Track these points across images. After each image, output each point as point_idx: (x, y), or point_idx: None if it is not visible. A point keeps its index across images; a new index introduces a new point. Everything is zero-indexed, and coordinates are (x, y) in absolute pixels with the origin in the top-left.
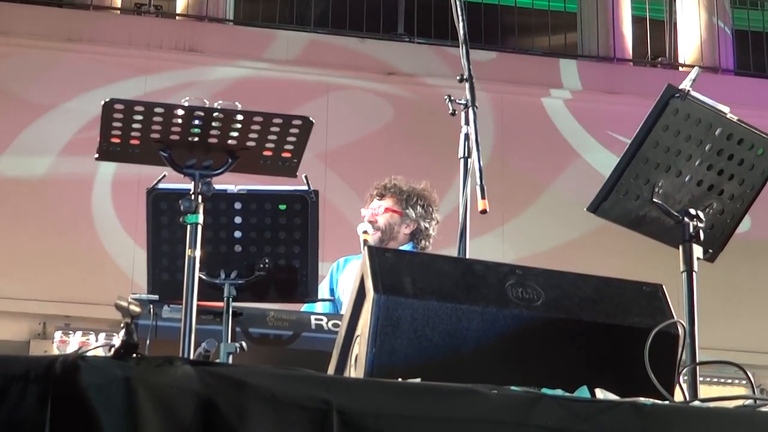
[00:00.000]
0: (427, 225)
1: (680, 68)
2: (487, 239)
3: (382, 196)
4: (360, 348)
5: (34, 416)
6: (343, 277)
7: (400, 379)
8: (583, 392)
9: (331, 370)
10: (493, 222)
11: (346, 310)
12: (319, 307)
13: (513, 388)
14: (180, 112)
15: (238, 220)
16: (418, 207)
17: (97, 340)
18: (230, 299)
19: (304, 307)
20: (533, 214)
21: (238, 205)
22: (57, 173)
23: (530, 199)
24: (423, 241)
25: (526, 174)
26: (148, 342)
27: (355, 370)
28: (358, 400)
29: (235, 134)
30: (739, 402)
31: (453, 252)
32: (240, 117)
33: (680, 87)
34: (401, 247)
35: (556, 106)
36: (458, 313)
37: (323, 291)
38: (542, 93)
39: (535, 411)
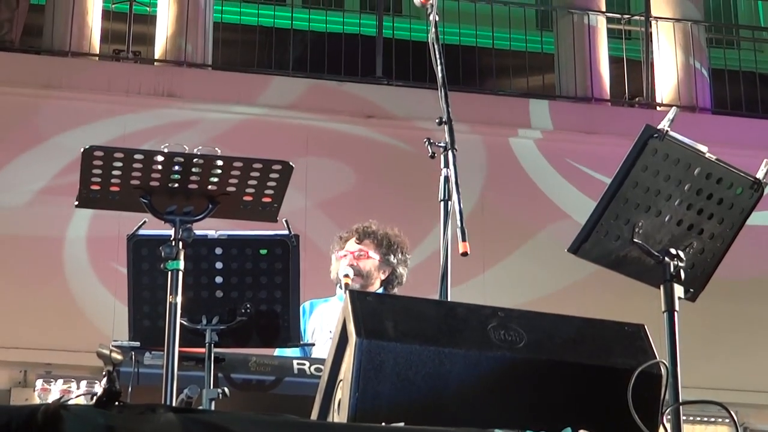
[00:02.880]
0: (402, 271)
1: (658, 108)
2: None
3: (360, 240)
4: (343, 392)
5: None
6: (311, 321)
7: (383, 424)
8: None
9: (314, 415)
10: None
11: (328, 354)
12: (288, 350)
13: (497, 430)
14: (160, 158)
15: (219, 265)
16: (399, 253)
17: (78, 388)
18: (212, 345)
19: (276, 351)
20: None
21: (218, 251)
22: (35, 222)
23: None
24: (395, 288)
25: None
26: (130, 389)
27: (339, 415)
28: None
29: (215, 180)
30: None
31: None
32: (220, 162)
33: (658, 127)
34: None
35: (526, 145)
36: (441, 356)
37: None
38: (510, 133)
39: None
